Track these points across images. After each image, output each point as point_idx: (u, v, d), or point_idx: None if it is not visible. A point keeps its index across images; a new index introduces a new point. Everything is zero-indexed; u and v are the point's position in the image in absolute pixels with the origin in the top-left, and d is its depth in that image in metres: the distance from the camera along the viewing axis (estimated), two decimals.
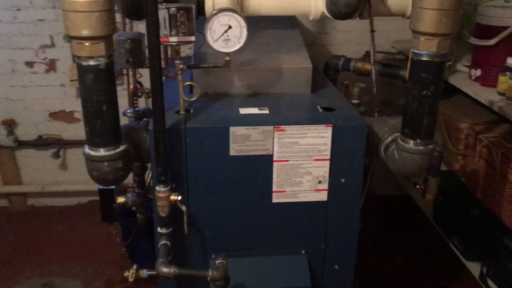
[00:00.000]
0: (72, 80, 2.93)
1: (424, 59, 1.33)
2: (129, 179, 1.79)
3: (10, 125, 3.12)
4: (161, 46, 2.41)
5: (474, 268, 2.17)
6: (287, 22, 2.09)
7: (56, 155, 3.21)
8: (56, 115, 3.14)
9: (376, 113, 1.83)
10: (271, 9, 1.77)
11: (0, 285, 2.61)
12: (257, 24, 2.00)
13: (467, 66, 2.33)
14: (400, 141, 1.47)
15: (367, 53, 2.30)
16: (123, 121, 1.74)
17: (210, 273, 1.40)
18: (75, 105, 3.14)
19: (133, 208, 1.91)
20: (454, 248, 2.30)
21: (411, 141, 1.44)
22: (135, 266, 1.67)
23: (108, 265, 2.71)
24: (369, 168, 1.80)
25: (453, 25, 1.29)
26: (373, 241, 2.76)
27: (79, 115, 3.18)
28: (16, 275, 2.69)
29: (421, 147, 1.43)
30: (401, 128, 1.47)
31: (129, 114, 1.85)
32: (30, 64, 3.01)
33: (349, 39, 3.09)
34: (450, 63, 2.41)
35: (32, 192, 3.32)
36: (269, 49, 1.87)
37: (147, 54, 1.40)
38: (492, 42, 2.04)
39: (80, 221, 3.17)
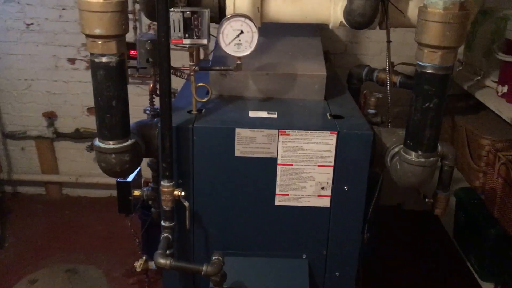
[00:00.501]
0: None
1: (427, 71, 1.34)
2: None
3: (51, 117, 3.31)
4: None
5: None
6: (309, 30, 2.11)
7: (91, 148, 3.36)
8: (93, 110, 3.29)
9: (389, 124, 1.83)
10: (290, 17, 1.81)
11: (26, 266, 2.76)
12: (279, 31, 2.05)
13: (496, 82, 2.27)
14: (402, 152, 1.47)
15: (391, 64, 2.29)
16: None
17: (204, 268, 1.45)
18: None
19: (150, 202, 1.99)
20: (471, 267, 2.24)
21: (413, 153, 1.44)
22: (144, 258, 1.75)
23: (129, 256, 2.81)
24: (378, 179, 1.80)
25: (458, 39, 1.28)
26: (390, 253, 2.73)
27: None
28: (44, 259, 2.85)
29: (422, 159, 1.43)
30: (404, 140, 1.47)
31: (147, 112, 1.93)
32: (72, 60, 3.18)
33: (382, 49, 3.07)
34: (478, 78, 2.37)
35: (67, 182, 3.49)
36: (287, 56, 1.90)
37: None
38: None
39: (109, 213, 3.31)
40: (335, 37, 3.09)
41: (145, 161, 1.85)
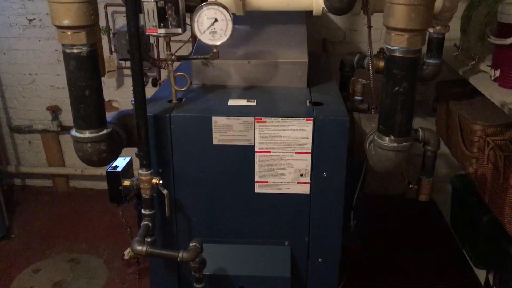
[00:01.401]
0: (108, 71, 3.10)
1: (396, 55, 1.32)
2: None
3: (55, 111, 3.37)
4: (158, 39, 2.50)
5: (482, 276, 2.09)
6: (296, 17, 2.10)
7: None
8: None
9: (372, 110, 1.81)
10: (273, 4, 1.81)
11: (32, 256, 2.84)
12: (266, 19, 2.05)
13: (490, 66, 2.23)
14: (376, 138, 1.46)
15: (381, 50, 2.27)
16: None
17: (180, 254, 1.47)
18: (114, 95, 3.33)
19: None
20: (466, 254, 2.22)
21: (386, 138, 1.43)
22: None
23: (129, 245, 2.85)
24: (362, 166, 1.79)
25: (424, 21, 1.26)
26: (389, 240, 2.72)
27: (117, 104, 3.37)
28: (49, 249, 2.92)
29: (395, 144, 1.42)
30: (377, 125, 1.46)
31: (132, 103, 1.95)
32: None
33: (382, 36, 3.03)
34: (473, 63, 2.33)
35: (73, 174, 3.56)
36: (270, 44, 1.90)
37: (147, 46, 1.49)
38: (509, 41, 1.95)
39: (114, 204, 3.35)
40: (333, 25, 3.07)
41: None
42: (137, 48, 1.41)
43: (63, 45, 1.37)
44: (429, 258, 2.74)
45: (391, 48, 1.32)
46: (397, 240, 2.89)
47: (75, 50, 1.36)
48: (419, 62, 1.35)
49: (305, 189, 1.64)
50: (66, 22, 1.31)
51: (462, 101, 2.32)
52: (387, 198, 3.31)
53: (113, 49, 3.09)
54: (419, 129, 1.63)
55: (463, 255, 2.24)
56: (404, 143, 1.42)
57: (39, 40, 3.21)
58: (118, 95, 3.34)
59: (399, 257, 2.74)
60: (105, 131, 1.48)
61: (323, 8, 1.75)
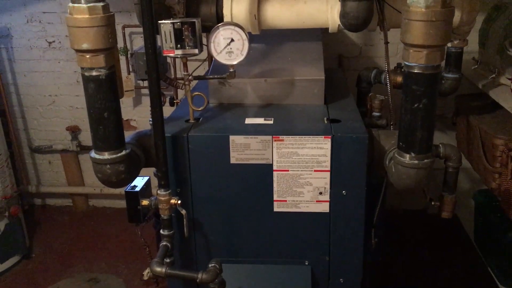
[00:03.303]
0: (126, 91, 3.14)
1: (414, 71, 1.31)
2: None
3: (74, 131, 3.42)
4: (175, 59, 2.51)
5: None
6: (311, 34, 2.10)
7: None
8: None
9: (391, 126, 1.79)
10: (288, 22, 1.82)
11: (52, 275, 2.85)
12: (281, 37, 2.06)
13: (510, 79, 2.20)
14: (396, 155, 1.44)
15: (398, 65, 2.26)
16: None
17: (200, 275, 1.46)
18: (132, 114, 3.37)
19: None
20: (491, 271, 2.16)
21: (406, 155, 1.41)
22: None
23: (148, 265, 2.85)
24: (382, 182, 1.76)
25: (442, 37, 1.25)
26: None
27: (135, 123, 3.40)
28: (69, 269, 2.94)
29: (416, 161, 1.39)
30: (397, 142, 1.44)
31: (150, 123, 1.96)
32: None
33: (398, 51, 3.01)
34: (493, 76, 2.29)
35: (92, 193, 3.59)
36: (286, 61, 1.90)
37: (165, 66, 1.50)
38: None
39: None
40: (349, 40, 3.06)
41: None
42: (155, 69, 1.42)
43: (82, 68, 1.38)
44: (453, 275, 2.67)
45: (410, 64, 1.31)
46: (419, 257, 2.83)
47: (94, 73, 1.37)
48: (439, 78, 1.33)
49: (324, 207, 1.62)
50: (85, 46, 1.32)
51: (482, 115, 2.28)
52: (408, 214, 3.25)
53: (130, 69, 3.13)
54: (440, 145, 1.60)
55: (488, 272, 2.18)
56: (425, 160, 1.39)
57: (59, 62, 3.27)
58: (136, 114, 3.37)
59: (422, 274, 2.68)
60: (123, 152, 1.48)
61: (338, 25, 1.75)
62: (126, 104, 3.31)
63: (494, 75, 2.28)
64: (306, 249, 1.68)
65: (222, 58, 1.58)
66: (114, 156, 1.47)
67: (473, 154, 2.30)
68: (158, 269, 1.48)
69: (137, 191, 1.91)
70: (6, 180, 2.87)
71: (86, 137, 3.45)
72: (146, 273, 2.66)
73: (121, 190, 3.47)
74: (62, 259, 3.03)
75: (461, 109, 2.53)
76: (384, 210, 1.87)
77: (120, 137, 1.48)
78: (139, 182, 1.76)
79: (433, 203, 1.74)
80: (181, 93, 3.06)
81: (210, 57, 2.90)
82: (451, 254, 2.84)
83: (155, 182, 1.99)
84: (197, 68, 2.35)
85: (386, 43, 1.74)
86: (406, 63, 1.32)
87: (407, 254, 2.85)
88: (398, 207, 3.28)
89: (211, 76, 1.69)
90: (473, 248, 2.41)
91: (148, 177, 1.79)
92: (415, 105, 1.33)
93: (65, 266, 2.95)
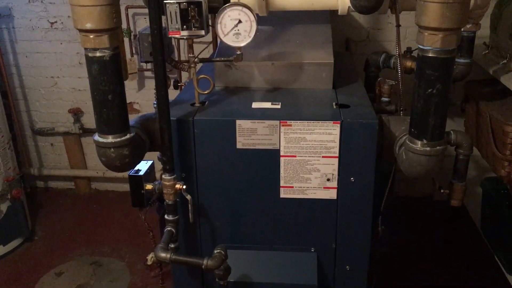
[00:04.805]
0: (130, 73, 3.09)
1: (429, 55, 1.26)
2: None
3: (77, 113, 3.38)
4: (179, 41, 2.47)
5: None
6: (320, 17, 2.05)
7: None
8: None
9: (401, 112, 1.75)
10: (296, 4, 1.76)
11: (54, 258, 2.84)
12: (289, 19, 2.00)
13: None
14: (407, 141, 1.40)
15: (408, 49, 2.21)
16: None
17: (205, 262, 1.43)
18: (135, 97, 3.33)
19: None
20: (498, 260, 2.14)
21: (418, 142, 1.37)
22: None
23: (152, 249, 2.84)
24: (391, 169, 1.73)
25: (459, 19, 1.20)
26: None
27: (138, 106, 3.36)
28: (71, 252, 2.93)
29: (428, 148, 1.35)
30: (409, 128, 1.40)
31: (154, 106, 1.93)
32: None
33: (406, 34, 2.96)
34: (504, 62, 2.24)
35: (95, 176, 3.57)
36: (294, 44, 1.85)
37: (170, 48, 1.46)
38: None
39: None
40: (357, 24, 3.00)
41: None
42: (160, 51, 1.38)
43: (85, 49, 1.35)
44: (459, 263, 2.66)
45: (424, 48, 1.26)
46: (426, 244, 2.81)
47: (98, 54, 1.33)
48: (454, 63, 1.29)
49: (332, 194, 1.59)
50: (88, 26, 1.28)
51: (493, 102, 2.24)
52: (414, 200, 3.23)
53: (134, 51, 3.08)
54: (451, 132, 1.56)
55: (495, 260, 2.16)
56: (437, 147, 1.35)
57: (61, 43, 3.22)
58: (140, 97, 3.33)
59: (428, 262, 2.67)
60: (128, 136, 1.45)
61: (349, 7, 1.70)
62: (129, 87, 3.26)
63: (505, 61, 2.22)
64: (312, 236, 1.66)
65: (229, 40, 1.53)
66: (118, 139, 1.43)
67: (482, 142, 2.26)
68: (163, 254, 1.46)
69: (141, 175, 1.88)
70: (8, 162, 2.85)
71: (88, 120, 3.41)
72: (150, 258, 2.65)
73: (124, 174, 3.45)
74: (64, 242, 3.02)
75: (470, 95, 2.48)
76: (392, 198, 1.84)
77: (124, 120, 1.45)
78: (143, 166, 1.73)
79: (442, 191, 1.70)
80: (184, 77, 3.02)
81: (215, 40, 2.85)
82: (457, 242, 2.82)
83: (158, 166, 1.96)
84: (202, 51, 2.32)
85: (398, 26, 1.69)
86: (421, 46, 1.28)
87: (411, 242, 2.84)
88: (403, 193, 3.26)
89: (217, 59, 1.65)
90: (479, 236, 2.38)
91: (152, 161, 1.76)
92: (429, 91, 1.29)
93: (67, 249, 2.94)
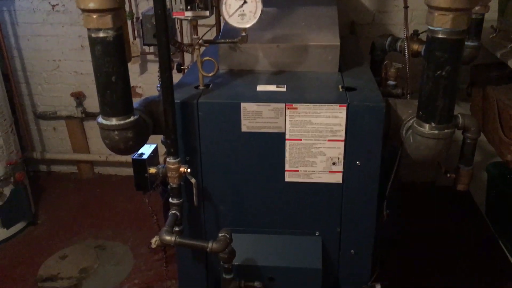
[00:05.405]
0: (132, 57, 3.06)
1: (439, 36, 1.24)
2: None
3: (79, 97, 3.36)
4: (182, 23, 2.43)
5: None
6: None
7: None
8: None
9: (408, 95, 1.73)
10: None
11: (58, 242, 2.85)
12: (294, 1, 1.97)
13: None
14: (415, 124, 1.38)
15: (415, 32, 2.17)
16: None
17: (210, 245, 1.43)
18: (137, 81, 3.30)
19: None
20: (503, 246, 2.14)
21: (426, 125, 1.35)
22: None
23: (155, 233, 2.83)
24: (396, 153, 1.71)
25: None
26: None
27: (141, 90, 3.34)
28: (75, 236, 2.93)
29: (436, 131, 1.34)
30: (417, 111, 1.38)
31: (158, 89, 1.91)
32: None
33: (412, 17, 2.91)
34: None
35: (97, 160, 3.56)
36: (299, 26, 1.82)
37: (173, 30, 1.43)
38: None
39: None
40: (362, 7, 2.96)
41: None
42: (164, 32, 1.35)
43: (88, 29, 1.32)
44: (463, 249, 2.66)
45: (434, 29, 1.24)
46: (429, 230, 2.80)
47: (101, 34, 1.31)
48: (464, 44, 1.27)
49: (337, 178, 1.57)
50: (91, 5, 1.26)
51: (500, 86, 2.21)
52: (417, 186, 3.22)
53: (136, 34, 3.05)
54: (459, 115, 1.54)
55: (499, 245, 2.15)
56: (445, 130, 1.34)
57: (63, 26, 3.18)
58: (142, 80, 3.30)
59: (431, 248, 2.66)
60: (132, 118, 1.43)
61: None
62: (131, 70, 3.13)
63: None
64: (317, 220, 1.65)
65: (233, 21, 1.51)
66: (122, 122, 1.42)
67: (488, 126, 2.24)
68: (168, 237, 1.45)
69: (144, 159, 1.86)
70: (11, 145, 2.84)
71: (91, 104, 3.39)
72: (154, 241, 2.64)
73: (127, 158, 3.46)
74: (68, 225, 3.03)
75: (477, 79, 2.45)
76: (398, 183, 1.82)
77: (128, 102, 1.43)
78: (146, 150, 1.71)
79: (448, 175, 1.69)
80: (187, 61, 2.99)
81: (218, 24, 2.82)
82: (461, 227, 2.81)
83: (161, 150, 1.95)
84: (205, 33, 2.28)
85: (406, 7, 1.67)
86: (430, 27, 1.25)
87: (414, 227, 2.83)
88: (406, 178, 3.24)
89: (222, 40, 1.62)
90: (484, 220, 2.37)
91: (155, 145, 1.75)
92: (438, 73, 1.27)
93: (71, 233, 2.95)
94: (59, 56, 3.28)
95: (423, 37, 2.15)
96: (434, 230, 2.82)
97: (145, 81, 3.29)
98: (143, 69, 3.26)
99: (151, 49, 3.09)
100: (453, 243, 2.71)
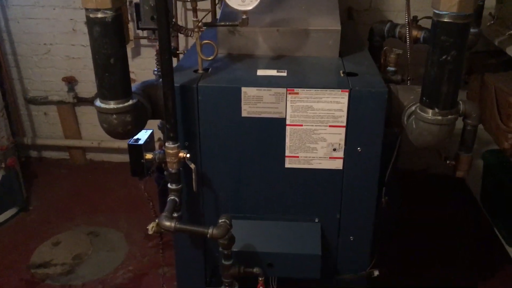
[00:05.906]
0: None
1: (444, 20, 1.22)
2: None
3: (71, 82, 3.30)
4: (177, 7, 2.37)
5: None
6: None
7: None
8: None
9: (408, 82, 1.72)
10: None
11: (51, 229, 2.82)
12: None
13: None
14: (418, 110, 1.37)
15: (414, 18, 2.15)
16: None
17: (210, 230, 1.41)
18: (130, 65, 3.22)
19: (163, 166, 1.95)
20: (498, 233, 2.15)
21: (429, 110, 1.34)
22: (156, 221, 1.72)
23: (149, 219, 2.79)
24: (396, 140, 1.70)
25: None
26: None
27: (133, 75, 3.28)
28: (68, 222, 2.90)
29: (439, 117, 1.33)
30: (420, 97, 1.37)
31: (155, 73, 1.88)
32: None
33: (411, 4, 2.88)
34: (510, 32, 2.20)
35: (89, 147, 3.52)
36: (300, 10, 1.80)
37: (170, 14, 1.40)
38: None
39: (131, 177, 3.30)
40: None
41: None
42: (164, 12, 1.32)
43: (86, 9, 1.28)
44: (458, 236, 2.67)
45: (440, 13, 1.22)
46: (424, 218, 2.82)
47: (100, 15, 1.27)
48: (469, 29, 1.25)
49: (338, 164, 1.56)
50: None
51: (498, 73, 2.21)
52: (410, 174, 3.22)
53: (129, 18, 3.00)
54: (460, 102, 1.53)
55: (495, 233, 2.16)
56: (449, 116, 1.33)
57: (54, 9, 3.12)
58: (135, 66, 3.25)
59: (427, 236, 2.67)
60: (130, 102, 1.41)
61: None
62: None
63: (511, 32, 2.18)
64: (316, 206, 1.64)
65: (234, 3, 1.48)
66: (121, 105, 1.39)
67: (486, 114, 2.23)
68: (167, 223, 1.43)
69: (140, 144, 1.84)
70: (2, 130, 2.79)
71: (83, 89, 3.34)
72: (151, 227, 2.61)
73: (119, 144, 3.43)
74: (60, 212, 2.99)
75: (475, 67, 2.44)
76: (397, 170, 1.82)
77: (127, 85, 1.40)
78: (142, 135, 1.69)
79: (448, 162, 1.68)
80: (182, 45, 2.94)
81: (214, 8, 2.77)
82: (456, 214, 2.83)
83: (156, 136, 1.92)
84: (205, 16, 2.24)
85: None
86: (436, 11, 1.23)
87: (409, 215, 2.84)
88: (400, 166, 3.25)
89: (222, 23, 1.59)
90: (479, 208, 2.38)
91: (151, 130, 1.73)
92: (443, 57, 1.25)
93: (64, 219, 2.92)
94: (50, 39, 3.22)
95: (422, 23, 2.14)
96: (428, 217, 2.83)
97: (138, 66, 3.24)
98: (136, 53, 3.21)
99: (145, 33, 3.04)
100: (448, 231, 2.73)
